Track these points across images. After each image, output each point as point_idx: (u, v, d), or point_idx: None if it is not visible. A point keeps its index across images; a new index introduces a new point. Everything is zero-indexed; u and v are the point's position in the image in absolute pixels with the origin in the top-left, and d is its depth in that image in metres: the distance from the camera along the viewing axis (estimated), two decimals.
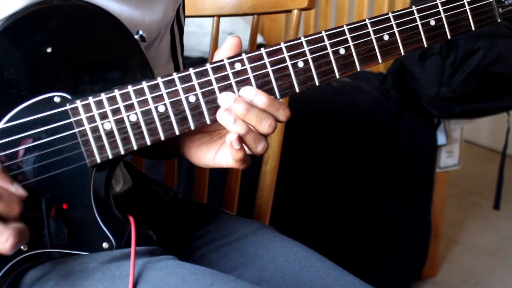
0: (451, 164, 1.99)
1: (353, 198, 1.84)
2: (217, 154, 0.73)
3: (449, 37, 0.77)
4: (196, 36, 2.14)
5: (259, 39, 2.65)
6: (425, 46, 0.77)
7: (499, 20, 0.80)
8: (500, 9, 0.79)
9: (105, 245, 0.69)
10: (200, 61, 2.11)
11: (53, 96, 0.65)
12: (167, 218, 0.88)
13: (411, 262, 1.99)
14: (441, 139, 1.92)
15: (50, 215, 0.66)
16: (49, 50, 0.65)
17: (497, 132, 2.95)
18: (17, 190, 0.60)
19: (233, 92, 0.69)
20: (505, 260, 2.21)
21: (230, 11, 1.10)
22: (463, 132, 2.02)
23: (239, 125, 0.68)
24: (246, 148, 0.70)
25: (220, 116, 0.68)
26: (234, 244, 0.83)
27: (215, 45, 1.10)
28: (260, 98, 0.68)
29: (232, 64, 0.69)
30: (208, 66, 0.68)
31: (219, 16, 1.11)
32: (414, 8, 0.75)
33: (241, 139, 0.68)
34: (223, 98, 0.68)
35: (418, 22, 0.76)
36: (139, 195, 0.88)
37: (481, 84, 1.75)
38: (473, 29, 0.79)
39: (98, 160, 0.66)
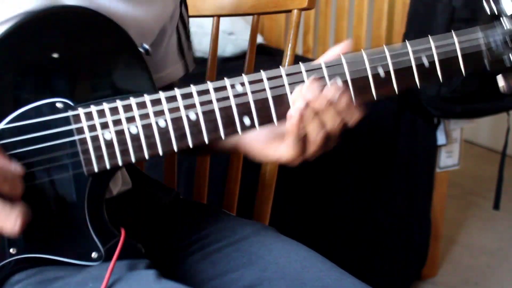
0: (451, 164, 1.99)
1: (353, 198, 1.84)
2: (279, 147, 0.73)
3: (441, 81, 0.75)
4: (196, 36, 2.13)
5: (259, 39, 2.65)
6: (418, 86, 0.74)
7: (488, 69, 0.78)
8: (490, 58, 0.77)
9: (94, 255, 0.68)
10: (200, 61, 2.10)
11: (56, 102, 0.65)
12: (168, 219, 0.88)
13: (411, 262, 1.98)
14: (441, 139, 1.92)
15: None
16: (55, 55, 0.65)
17: (497, 132, 2.95)
18: (16, 169, 0.60)
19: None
20: (505, 260, 2.21)
21: (230, 11, 1.10)
22: (463, 132, 2.02)
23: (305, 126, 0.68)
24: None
25: (294, 100, 0.68)
26: (236, 245, 0.83)
27: (215, 45, 1.10)
28: (343, 99, 0.69)
29: (233, 86, 0.69)
30: (210, 85, 0.68)
31: (219, 16, 1.11)
32: (408, 46, 0.73)
33: (301, 118, 0.68)
34: (310, 85, 0.68)
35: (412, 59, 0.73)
36: (138, 196, 0.88)
37: (481, 84, 1.75)
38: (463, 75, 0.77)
39: (96, 169, 0.65)
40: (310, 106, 0.68)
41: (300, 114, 0.68)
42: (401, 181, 1.90)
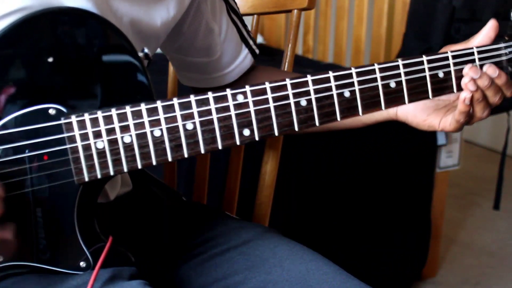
0: (451, 164, 1.99)
1: (353, 198, 1.84)
2: (442, 119, 0.80)
3: (455, 91, 0.78)
4: None
5: (259, 39, 2.65)
6: (430, 97, 0.77)
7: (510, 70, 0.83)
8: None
9: (82, 264, 0.67)
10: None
11: (49, 108, 0.63)
12: (169, 222, 0.87)
13: (411, 262, 1.98)
14: (441, 139, 1.92)
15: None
16: (50, 59, 0.63)
17: (497, 132, 2.95)
18: None
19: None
20: (505, 260, 2.21)
21: None
22: (463, 132, 2.02)
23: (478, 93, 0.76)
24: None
25: (466, 84, 0.76)
26: (240, 248, 0.82)
27: None
28: (502, 78, 0.78)
29: (234, 96, 0.67)
30: (210, 95, 0.66)
31: None
32: (424, 58, 0.75)
33: (472, 101, 0.75)
34: (472, 70, 0.76)
35: (427, 73, 0.75)
36: (139, 198, 0.87)
37: None
38: None
39: (86, 179, 0.64)
40: (479, 87, 0.76)
41: (471, 96, 0.75)
42: (401, 181, 1.90)
